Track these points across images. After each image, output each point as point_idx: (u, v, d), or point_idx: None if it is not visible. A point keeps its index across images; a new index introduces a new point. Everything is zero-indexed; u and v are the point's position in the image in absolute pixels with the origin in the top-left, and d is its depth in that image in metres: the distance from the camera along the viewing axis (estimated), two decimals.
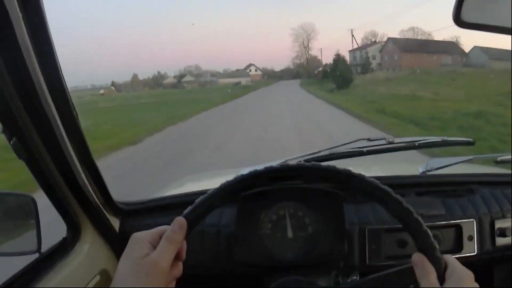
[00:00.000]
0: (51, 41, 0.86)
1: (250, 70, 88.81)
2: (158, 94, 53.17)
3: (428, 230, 0.72)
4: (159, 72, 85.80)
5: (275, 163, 1.28)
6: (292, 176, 0.77)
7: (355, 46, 64.62)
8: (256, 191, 1.12)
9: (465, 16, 0.92)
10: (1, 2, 0.71)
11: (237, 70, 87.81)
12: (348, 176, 0.75)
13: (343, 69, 37.04)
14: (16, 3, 0.75)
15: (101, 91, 63.10)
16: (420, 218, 0.72)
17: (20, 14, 0.76)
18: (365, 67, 49.36)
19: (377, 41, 62.73)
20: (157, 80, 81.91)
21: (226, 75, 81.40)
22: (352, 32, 77.06)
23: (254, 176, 0.75)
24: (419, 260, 0.71)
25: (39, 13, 0.82)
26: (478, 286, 0.70)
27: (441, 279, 0.70)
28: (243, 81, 71.26)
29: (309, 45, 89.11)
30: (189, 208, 0.72)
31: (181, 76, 79.29)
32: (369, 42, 63.78)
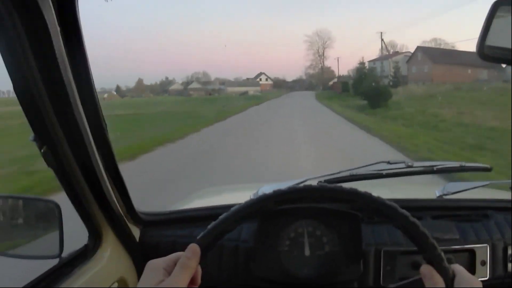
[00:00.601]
0: (85, 52, 0.89)
1: (261, 79, 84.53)
2: (141, 102, 48.23)
3: (435, 242, 0.74)
4: (167, 78, 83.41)
5: (294, 182, 1.30)
6: (300, 198, 0.80)
7: (381, 53, 58.38)
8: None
9: (489, 50, 0.93)
10: (41, 16, 0.75)
11: (247, 79, 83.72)
12: (354, 194, 0.77)
13: (372, 80, 30.70)
14: (54, 15, 0.79)
15: (105, 95, 59.40)
16: (426, 231, 0.74)
17: (58, 28, 0.80)
18: (396, 79, 39.64)
19: (398, 51, 56.53)
20: (164, 86, 78.99)
21: (235, 83, 77.36)
22: (381, 35, 63.43)
23: (263, 201, 0.78)
24: (427, 271, 0.72)
25: (75, 24, 0.86)
26: None
27: (450, 287, 0.71)
28: (251, 90, 67.81)
29: (325, 54, 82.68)
30: (202, 233, 0.75)
31: (188, 83, 76.27)
32: (389, 53, 57.61)
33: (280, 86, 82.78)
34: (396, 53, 52.47)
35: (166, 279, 0.68)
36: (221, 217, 0.76)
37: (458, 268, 0.74)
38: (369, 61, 55.09)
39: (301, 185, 0.80)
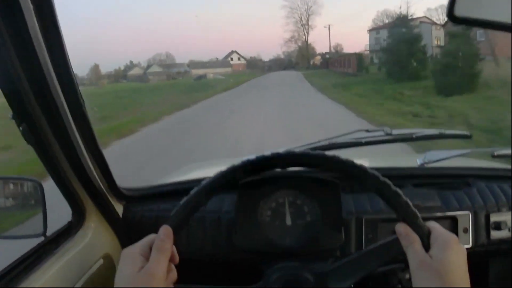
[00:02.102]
0: (61, 33, 0.89)
1: (232, 59, 72.23)
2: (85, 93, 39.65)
3: (408, 200, 0.74)
4: (131, 62, 72.06)
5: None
6: (269, 166, 0.80)
7: (382, 22, 47.37)
8: (255, 179, 1.15)
9: (460, 11, 0.93)
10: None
11: (217, 59, 72.07)
12: (322, 158, 0.78)
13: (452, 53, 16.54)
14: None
15: None
16: (399, 190, 0.75)
17: (31, 6, 0.80)
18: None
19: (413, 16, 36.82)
20: (126, 72, 67.84)
21: (201, 65, 65.40)
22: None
23: (232, 171, 0.78)
24: (402, 229, 0.73)
25: (50, 6, 0.85)
26: (464, 248, 0.72)
27: (427, 245, 0.72)
28: (216, 72, 55.17)
29: (309, 23, 66.88)
30: (174, 211, 0.75)
31: (149, 67, 66.55)
32: (383, 23, 46.89)
33: (255, 66, 71.15)
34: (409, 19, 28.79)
35: (145, 266, 0.69)
36: (191, 192, 0.77)
37: (433, 225, 0.75)
38: (370, 30, 48.15)
39: (269, 153, 0.81)
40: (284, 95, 21.00)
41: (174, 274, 0.75)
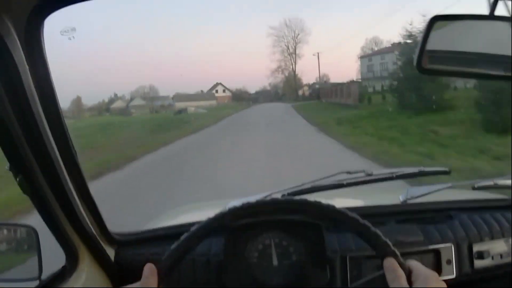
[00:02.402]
0: (53, 86, 0.95)
1: (217, 91, 67.70)
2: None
3: (388, 240, 0.78)
4: (115, 95, 65.56)
5: (260, 195, 1.35)
6: (256, 212, 0.85)
7: (368, 49, 46.27)
8: (242, 223, 1.20)
9: (427, 65, 0.99)
10: (9, 52, 0.81)
11: (202, 91, 67.35)
12: (305, 204, 0.82)
13: None
14: (22, 53, 0.85)
15: None
16: (378, 231, 0.79)
17: (27, 67, 0.86)
18: None
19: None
20: (108, 105, 61.61)
21: (186, 97, 61.10)
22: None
23: (220, 218, 0.83)
24: (389, 264, 0.76)
25: (43, 60, 0.91)
26: (444, 284, 0.75)
27: (409, 282, 0.74)
28: (194, 106, 49.33)
29: (297, 51, 61.71)
30: (166, 254, 0.80)
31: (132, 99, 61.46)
32: (376, 50, 45.24)
33: (240, 98, 66.46)
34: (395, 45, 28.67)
35: None
36: (182, 237, 0.81)
37: (413, 263, 0.78)
38: (361, 57, 45.57)
39: (254, 200, 0.86)
40: (273, 137, 14.82)
41: None
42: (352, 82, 36.87)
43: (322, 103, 36.29)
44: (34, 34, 0.87)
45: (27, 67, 0.86)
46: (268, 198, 0.88)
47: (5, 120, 0.86)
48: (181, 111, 43.89)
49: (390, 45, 36.33)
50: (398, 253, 0.77)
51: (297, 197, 0.86)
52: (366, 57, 44.86)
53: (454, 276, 1.29)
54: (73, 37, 1.01)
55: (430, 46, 1.00)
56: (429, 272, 0.76)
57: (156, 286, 0.75)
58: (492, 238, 1.35)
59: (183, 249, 0.80)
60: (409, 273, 0.76)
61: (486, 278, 1.36)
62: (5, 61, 0.81)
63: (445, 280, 1.25)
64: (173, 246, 0.80)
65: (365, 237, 0.81)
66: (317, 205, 0.82)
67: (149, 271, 0.76)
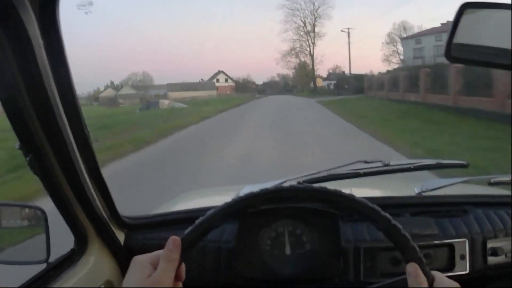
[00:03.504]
0: (67, 64, 0.92)
1: (218, 80, 59.08)
2: None
3: (416, 246, 0.75)
4: (112, 83, 60.83)
5: (274, 182, 1.33)
6: (286, 197, 0.82)
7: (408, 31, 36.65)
8: (255, 210, 1.17)
9: (456, 52, 0.95)
10: (24, 28, 0.77)
11: (201, 80, 59.83)
12: (338, 196, 0.79)
13: None
14: (36, 28, 0.81)
15: None
16: (407, 234, 0.76)
17: (41, 41, 0.83)
18: None
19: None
20: (99, 93, 57.94)
21: (181, 87, 54.07)
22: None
23: (250, 198, 0.79)
24: (412, 270, 0.74)
25: (58, 39, 0.88)
26: None
27: None
28: (188, 97, 43.24)
29: (316, 30, 48.13)
30: (189, 228, 0.77)
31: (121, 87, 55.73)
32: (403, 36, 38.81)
33: (245, 89, 57.10)
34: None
35: (153, 274, 0.70)
36: (209, 212, 0.78)
37: (436, 273, 0.76)
38: (403, 38, 37.28)
39: (287, 184, 0.82)
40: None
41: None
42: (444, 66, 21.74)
43: (374, 100, 25.28)
44: (50, 8, 0.84)
45: (41, 41, 0.83)
46: (299, 185, 0.85)
47: (16, 96, 0.83)
48: (149, 105, 33.88)
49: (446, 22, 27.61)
50: (424, 260, 0.75)
51: (316, 185, 0.84)
52: (413, 38, 34.65)
53: (467, 271, 1.28)
54: (90, 11, 0.98)
55: (459, 35, 0.96)
56: (452, 284, 0.74)
57: (178, 260, 0.73)
58: (506, 235, 1.32)
59: (207, 226, 0.78)
60: (432, 282, 0.74)
61: (499, 275, 1.34)
62: (19, 35, 0.78)
63: (457, 276, 1.25)
64: (198, 221, 0.78)
65: (393, 238, 0.78)
66: (351, 198, 0.79)
67: (173, 243, 0.73)
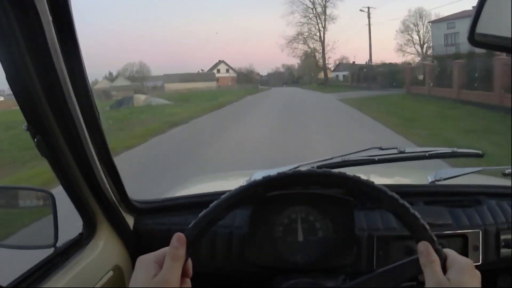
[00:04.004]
0: (78, 43, 0.89)
1: (219, 71, 55.61)
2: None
3: (425, 224, 0.75)
4: (110, 74, 57.65)
5: (288, 168, 1.31)
6: (289, 183, 0.80)
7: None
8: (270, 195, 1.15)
9: (480, 37, 0.92)
10: (34, 6, 0.75)
11: (201, 70, 56.15)
12: (343, 178, 0.78)
13: None
14: (46, 6, 0.78)
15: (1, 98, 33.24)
16: (416, 213, 0.75)
17: (50, 17, 0.80)
18: None
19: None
20: (94, 85, 50.48)
21: (180, 78, 51.02)
22: None
23: (253, 187, 0.78)
24: (424, 248, 0.73)
25: (68, 16, 0.85)
26: (479, 273, 0.73)
27: (443, 269, 0.72)
28: (186, 89, 40.56)
29: (328, 11, 42.03)
30: (192, 223, 0.75)
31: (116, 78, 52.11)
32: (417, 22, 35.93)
33: (247, 79, 53.13)
34: None
35: (159, 273, 0.69)
36: (211, 205, 0.76)
37: (449, 251, 0.76)
38: (432, 22, 32.35)
39: (287, 170, 0.81)
40: None
41: (188, 285, 0.74)
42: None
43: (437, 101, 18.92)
44: None
45: (50, 17, 0.80)
46: (303, 169, 0.82)
47: (24, 77, 0.81)
48: (122, 102, 27.95)
49: None
50: (435, 238, 0.74)
51: (335, 170, 0.81)
52: (444, 22, 28.82)
53: (480, 263, 1.26)
54: None
55: (483, 17, 0.92)
56: (465, 260, 0.74)
57: (184, 257, 0.71)
58: None
59: (211, 218, 0.76)
60: (444, 260, 0.74)
61: (510, 268, 1.32)
62: (31, 20, 0.76)
63: None
64: (201, 213, 0.76)
65: (402, 218, 0.77)
66: (356, 179, 0.78)
67: (179, 241, 0.72)
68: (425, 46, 37.24)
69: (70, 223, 1.16)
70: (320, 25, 41.73)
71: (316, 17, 41.62)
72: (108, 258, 1.15)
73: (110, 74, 56.10)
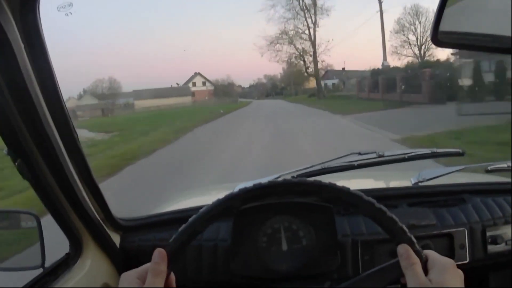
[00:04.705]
0: (51, 66, 0.91)
1: (195, 84, 51.03)
2: None
3: (404, 226, 0.75)
4: (85, 91, 53.12)
5: (269, 178, 1.32)
6: (265, 194, 0.80)
7: None
8: (250, 206, 1.17)
9: (442, 36, 0.93)
10: (4, 33, 0.76)
11: (177, 84, 51.81)
12: (318, 186, 0.78)
13: None
14: (17, 34, 0.80)
15: None
16: (394, 216, 0.75)
17: (22, 45, 0.82)
18: None
19: None
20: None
21: (151, 94, 47.21)
22: None
23: (229, 200, 0.78)
24: (404, 251, 0.73)
25: (40, 40, 0.87)
26: (461, 272, 0.72)
27: (424, 270, 0.72)
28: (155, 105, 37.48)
29: (318, 4, 33.92)
30: (173, 237, 0.76)
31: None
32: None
33: (225, 92, 50.01)
34: None
35: None
36: (190, 219, 0.77)
37: (429, 252, 0.76)
38: None
39: (265, 181, 0.82)
40: None
41: None
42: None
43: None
44: (30, 8, 0.83)
45: (22, 44, 0.82)
46: (277, 180, 0.84)
47: (1, 100, 0.82)
48: None
49: None
50: (414, 240, 0.74)
51: (311, 179, 0.83)
52: None
53: (467, 261, 1.27)
54: (71, 13, 0.96)
55: (446, 17, 0.92)
56: (446, 260, 0.74)
57: (166, 271, 0.73)
58: (506, 222, 1.32)
59: (191, 232, 0.77)
60: (425, 261, 0.74)
61: (500, 264, 1.33)
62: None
63: (458, 266, 1.24)
64: (181, 228, 0.77)
65: (380, 222, 0.77)
66: (331, 187, 0.79)
67: (159, 256, 0.73)
68: (422, 47, 34.63)
69: (60, 243, 1.18)
70: (309, 20, 34.91)
71: (303, 10, 34.40)
72: (96, 277, 1.16)
73: (85, 91, 53.00)
